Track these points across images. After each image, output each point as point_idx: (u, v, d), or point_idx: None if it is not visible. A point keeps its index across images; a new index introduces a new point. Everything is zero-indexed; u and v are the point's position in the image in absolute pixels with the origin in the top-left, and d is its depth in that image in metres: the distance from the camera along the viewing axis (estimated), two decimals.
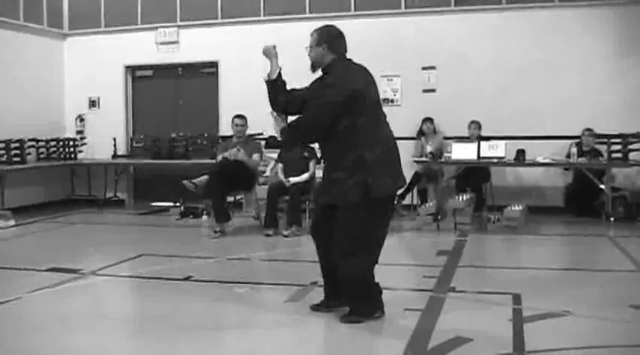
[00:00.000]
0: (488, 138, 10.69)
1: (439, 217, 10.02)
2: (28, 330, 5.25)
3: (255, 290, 6.39)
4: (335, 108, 5.09)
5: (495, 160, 10.38)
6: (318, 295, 5.68)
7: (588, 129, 10.72)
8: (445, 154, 10.74)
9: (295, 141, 5.65)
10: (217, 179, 9.48)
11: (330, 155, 5.31)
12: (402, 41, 11.72)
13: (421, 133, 11.41)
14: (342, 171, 5.13)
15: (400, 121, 11.56)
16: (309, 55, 5.48)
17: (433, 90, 11.67)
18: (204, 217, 10.91)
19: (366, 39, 11.76)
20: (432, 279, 6.70)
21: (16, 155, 11.58)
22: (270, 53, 5.76)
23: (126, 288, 6.98)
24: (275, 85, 5.58)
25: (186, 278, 6.84)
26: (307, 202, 10.06)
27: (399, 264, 8.02)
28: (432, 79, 11.67)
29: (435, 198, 10.85)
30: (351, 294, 5.33)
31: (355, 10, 11.92)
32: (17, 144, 11.62)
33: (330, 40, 5.38)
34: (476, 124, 10.98)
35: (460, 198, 10.04)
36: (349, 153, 5.10)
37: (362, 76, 5.28)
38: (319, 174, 10.06)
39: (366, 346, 4.99)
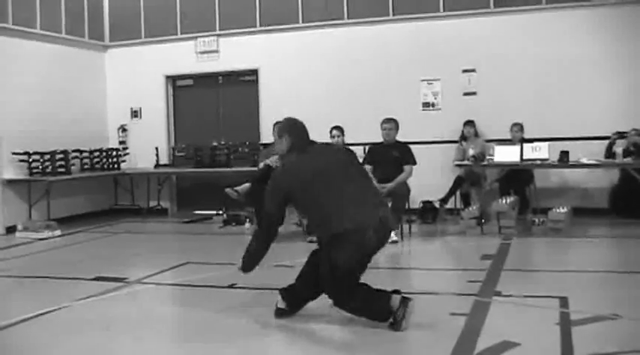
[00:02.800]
0: (530, 140, 10.57)
1: (483, 221, 9.93)
2: (75, 338, 5.32)
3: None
4: (273, 215, 5.45)
5: (539, 162, 10.25)
6: None
7: (635, 129, 10.54)
8: (487, 157, 10.64)
9: (262, 243, 5.66)
10: (260, 186, 9.48)
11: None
12: (441, 44, 11.66)
13: (462, 137, 11.33)
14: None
15: (441, 125, 11.58)
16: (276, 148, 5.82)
17: (474, 93, 11.58)
18: (247, 224, 10.95)
19: (405, 43, 11.79)
20: (477, 283, 6.64)
21: (60, 166, 11.76)
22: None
23: (171, 296, 7.03)
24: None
25: (231, 286, 6.87)
26: None
27: (443, 269, 7.99)
28: (473, 82, 11.59)
29: (478, 201, 10.75)
30: None
31: (394, 15, 11.88)
32: (62, 155, 11.79)
33: (289, 130, 5.59)
34: (518, 126, 10.86)
35: (504, 201, 9.95)
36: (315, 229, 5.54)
37: (309, 164, 5.39)
38: None
39: (412, 351, 4.95)
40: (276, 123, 5.82)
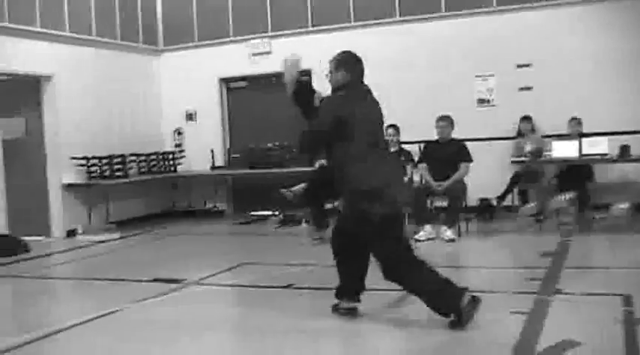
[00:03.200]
0: (589, 135, 10.37)
1: (541, 218, 9.80)
2: (135, 338, 5.39)
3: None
4: (319, 134, 5.51)
5: (598, 157, 10.04)
6: (418, 300, 5.59)
7: None
8: (545, 153, 10.47)
9: (305, 148, 6.05)
10: (315, 186, 9.51)
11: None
12: (494, 39, 11.51)
13: (519, 133, 11.17)
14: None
15: (496, 121, 11.44)
16: (329, 81, 5.68)
17: (529, 88, 11.41)
18: (304, 225, 10.97)
19: (458, 39, 11.68)
20: (537, 281, 6.54)
21: (118, 170, 11.93)
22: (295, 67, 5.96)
23: (228, 297, 7.07)
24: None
25: (288, 286, 6.88)
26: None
27: (502, 267, 7.89)
28: (528, 77, 11.41)
29: (537, 198, 10.59)
30: None
31: (446, 11, 11.78)
32: (119, 159, 11.96)
33: (347, 65, 5.54)
34: (576, 121, 10.67)
35: (562, 197, 9.79)
36: (345, 184, 5.35)
37: (356, 102, 5.40)
38: (417, 178, 10.03)
39: (472, 349, 4.89)
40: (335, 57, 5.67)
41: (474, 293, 5.23)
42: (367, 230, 5.27)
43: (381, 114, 5.68)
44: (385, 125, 9.91)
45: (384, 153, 5.60)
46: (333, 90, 5.57)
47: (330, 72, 5.60)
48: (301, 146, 5.85)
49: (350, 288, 5.65)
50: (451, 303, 5.14)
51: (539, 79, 11.29)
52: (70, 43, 11.61)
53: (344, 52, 5.64)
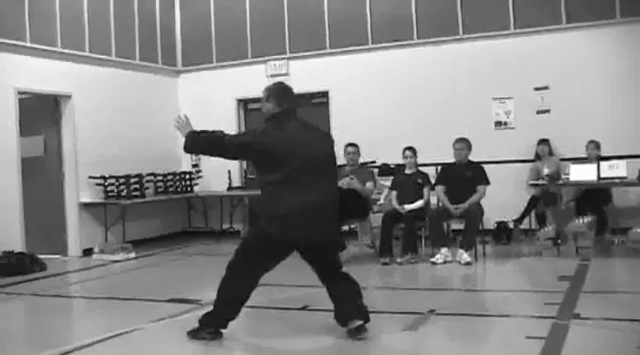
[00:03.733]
0: (607, 158, 10.30)
1: (559, 241, 9.72)
2: None
3: (372, 318, 6.32)
4: (224, 149, 5.79)
5: (617, 180, 9.96)
6: (435, 323, 5.57)
7: None
8: (563, 176, 10.41)
9: (195, 147, 6.10)
10: None
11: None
12: (512, 62, 11.49)
13: (537, 156, 11.12)
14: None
15: (514, 144, 11.40)
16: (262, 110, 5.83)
17: (547, 111, 11.37)
18: None
19: (476, 61, 11.67)
20: (555, 306, 6.46)
21: (135, 189, 11.96)
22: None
23: (245, 318, 7.03)
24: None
25: (303, 308, 6.85)
26: (422, 229, 9.93)
27: (519, 290, 7.82)
28: (546, 99, 11.38)
29: (554, 221, 10.52)
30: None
31: (463, 34, 11.78)
32: (136, 179, 12.00)
33: (277, 95, 5.71)
34: (594, 144, 10.61)
35: (580, 221, 9.71)
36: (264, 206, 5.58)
37: (283, 132, 5.52)
38: (434, 200, 9.99)
39: None
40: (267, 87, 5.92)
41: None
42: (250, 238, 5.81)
43: (320, 142, 5.73)
44: (402, 147, 9.99)
45: (310, 182, 5.49)
46: (266, 120, 5.75)
47: (263, 102, 5.80)
48: (193, 145, 5.97)
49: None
50: (217, 318, 5.71)
51: (557, 102, 11.25)
52: (89, 63, 11.71)
53: (274, 84, 5.90)
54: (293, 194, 5.37)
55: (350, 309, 5.63)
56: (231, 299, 5.70)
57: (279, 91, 5.73)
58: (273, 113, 5.65)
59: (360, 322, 5.56)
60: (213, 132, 5.82)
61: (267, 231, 5.43)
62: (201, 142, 5.82)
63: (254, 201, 9.47)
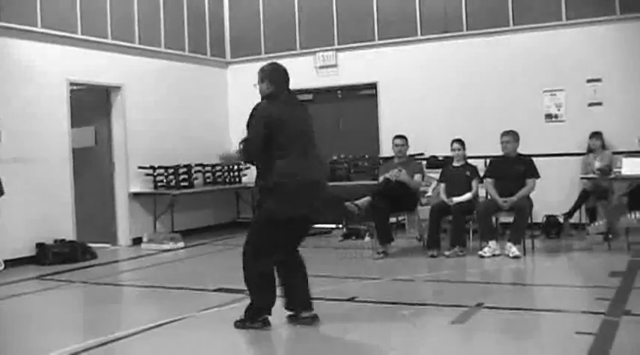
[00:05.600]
0: None
1: (610, 236, 9.58)
2: (199, 348, 5.41)
3: (420, 311, 6.31)
4: (258, 139, 5.85)
5: None
6: (483, 316, 5.53)
7: None
8: (615, 170, 10.23)
9: (249, 154, 6.20)
10: (380, 200, 9.48)
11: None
12: (564, 54, 11.32)
13: (589, 149, 10.94)
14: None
15: (564, 137, 11.23)
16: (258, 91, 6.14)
17: (599, 104, 11.18)
18: (367, 238, 10.93)
19: (527, 53, 11.52)
20: (605, 301, 6.34)
21: (184, 180, 12.06)
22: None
23: None
24: None
25: (351, 299, 6.85)
26: (470, 222, 9.85)
27: (569, 286, 7.73)
28: (598, 92, 11.19)
29: (605, 216, 10.35)
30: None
31: (514, 25, 11.63)
32: (185, 170, 12.10)
33: (269, 76, 6.09)
34: None
35: (633, 216, 9.55)
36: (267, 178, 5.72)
37: (280, 108, 5.87)
38: (482, 193, 9.91)
39: None
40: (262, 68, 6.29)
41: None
42: (260, 219, 5.89)
43: (309, 120, 6.13)
44: (451, 139, 9.92)
45: (301, 153, 5.79)
46: (262, 99, 6.04)
47: (258, 83, 6.08)
48: (246, 153, 6.16)
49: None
50: (257, 308, 5.76)
51: (609, 94, 11.06)
52: (139, 55, 11.84)
53: (269, 65, 6.25)
54: (288, 164, 5.63)
55: (306, 297, 5.92)
56: (260, 283, 5.81)
57: (270, 72, 6.09)
58: (266, 93, 5.99)
59: (314, 312, 5.86)
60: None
61: (271, 209, 5.65)
62: (246, 146, 6.07)
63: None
